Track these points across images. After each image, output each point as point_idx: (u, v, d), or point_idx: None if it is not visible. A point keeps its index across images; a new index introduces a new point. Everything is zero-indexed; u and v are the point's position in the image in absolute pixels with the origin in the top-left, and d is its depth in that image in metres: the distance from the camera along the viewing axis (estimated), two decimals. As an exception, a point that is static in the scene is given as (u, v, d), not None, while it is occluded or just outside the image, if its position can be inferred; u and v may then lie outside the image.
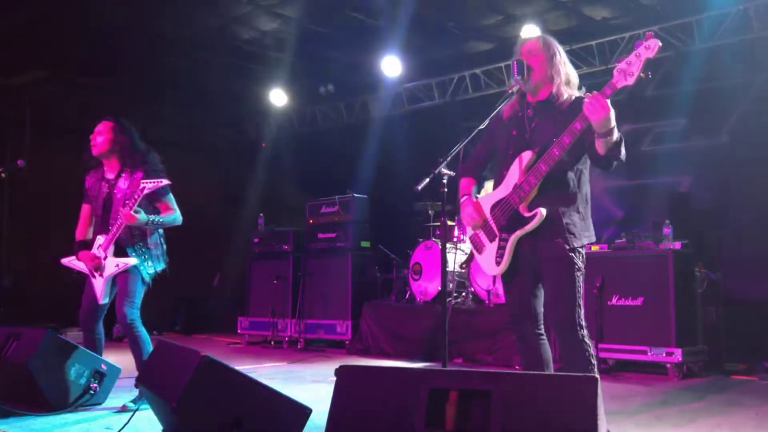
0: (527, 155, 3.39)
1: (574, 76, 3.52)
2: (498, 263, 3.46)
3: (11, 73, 9.33)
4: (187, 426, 3.06)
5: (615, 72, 3.12)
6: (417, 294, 7.89)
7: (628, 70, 3.07)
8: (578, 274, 3.34)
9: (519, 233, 3.38)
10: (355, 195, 8.60)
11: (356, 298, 8.18)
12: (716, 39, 7.31)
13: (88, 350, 4.49)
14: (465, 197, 3.66)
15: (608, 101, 3.07)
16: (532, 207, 3.35)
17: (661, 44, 3.06)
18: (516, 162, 3.43)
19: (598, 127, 3.09)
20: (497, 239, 3.48)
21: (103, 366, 4.46)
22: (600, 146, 3.17)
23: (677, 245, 6.02)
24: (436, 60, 9.41)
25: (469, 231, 3.69)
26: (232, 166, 11.83)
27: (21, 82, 9.42)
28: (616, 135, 3.13)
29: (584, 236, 3.41)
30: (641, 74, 3.06)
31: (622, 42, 7.90)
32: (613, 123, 3.08)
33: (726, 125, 7.55)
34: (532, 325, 3.49)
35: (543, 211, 3.31)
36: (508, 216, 3.43)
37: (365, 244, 8.61)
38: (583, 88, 3.50)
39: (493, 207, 3.52)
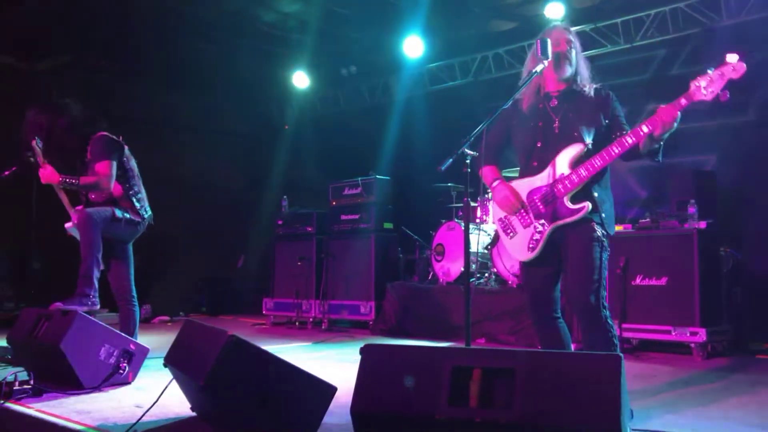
0: (577, 148, 3.41)
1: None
2: (531, 249, 3.49)
3: (37, 59, 9.43)
4: (215, 404, 3.12)
5: (692, 85, 3.18)
6: (440, 275, 7.91)
7: (709, 87, 3.14)
8: (605, 255, 3.39)
9: (560, 223, 3.42)
10: (377, 176, 8.61)
11: (379, 279, 8.23)
12: (744, 14, 7.18)
13: (117, 330, 4.59)
14: (497, 181, 3.66)
15: (679, 112, 3.17)
16: (576, 199, 3.39)
17: (746, 68, 3.11)
18: (561, 153, 3.44)
19: (665, 131, 3.20)
20: (532, 226, 3.49)
21: (132, 346, 4.54)
22: (644, 145, 3.29)
23: (702, 225, 5.96)
24: (458, 40, 9.35)
25: (497, 213, 3.69)
26: (255, 149, 11.90)
27: (46, 68, 9.52)
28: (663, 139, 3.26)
29: (614, 222, 3.50)
30: (719, 93, 3.11)
31: (647, 19, 7.79)
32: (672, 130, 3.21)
33: (753, 102, 7.43)
34: (551, 308, 3.55)
35: (589, 205, 3.36)
36: (548, 205, 3.45)
37: (388, 225, 8.63)
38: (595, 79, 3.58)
39: (531, 194, 3.53)
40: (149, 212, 5.23)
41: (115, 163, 4.99)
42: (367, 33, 9.20)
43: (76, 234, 4.95)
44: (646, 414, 3.70)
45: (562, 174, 3.42)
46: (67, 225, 5.07)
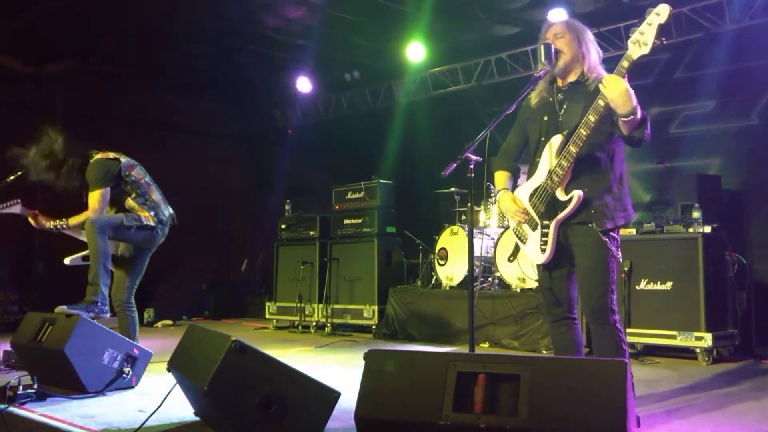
0: (557, 139, 3.39)
1: (600, 56, 3.51)
2: (543, 251, 3.43)
3: (43, 63, 9.45)
4: (218, 408, 3.11)
5: (630, 44, 3.10)
6: (443, 279, 7.90)
7: (642, 40, 3.06)
8: (611, 258, 3.33)
9: (561, 218, 3.37)
10: (380, 181, 8.62)
11: (382, 283, 8.22)
12: (747, 20, 7.18)
13: (120, 335, 4.59)
14: (500, 191, 3.65)
15: (624, 78, 3.05)
16: (568, 191, 3.34)
17: (671, 9, 3.03)
18: (547, 147, 3.42)
19: (617, 105, 3.06)
20: (539, 227, 3.46)
21: (135, 350, 4.54)
22: (623, 126, 3.15)
23: (707, 229, 5.94)
24: (461, 44, 9.35)
25: (512, 223, 3.66)
26: (259, 153, 11.91)
27: (52, 72, 9.54)
28: (638, 114, 3.10)
29: (618, 217, 3.37)
30: (656, 41, 3.03)
31: (651, 24, 7.76)
32: (633, 102, 3.05)
33: (756, 107, 7.43)
34: (565, 309, 3.50)
35: (579, 193, 3.30)
36: (546, 203, 3.42)
37: (391, 229, 8.63)
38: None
39: (531, 196, 3.51)
40: (167, 214, 5.14)
41: (106, 190, 4.91)
42: (370, 38, 9.20)
43: (77, 263, 4.99)
44: (651, 420, 3.69)
45: (550, 168, 3.39)
46: (66, 259, 5.09)
